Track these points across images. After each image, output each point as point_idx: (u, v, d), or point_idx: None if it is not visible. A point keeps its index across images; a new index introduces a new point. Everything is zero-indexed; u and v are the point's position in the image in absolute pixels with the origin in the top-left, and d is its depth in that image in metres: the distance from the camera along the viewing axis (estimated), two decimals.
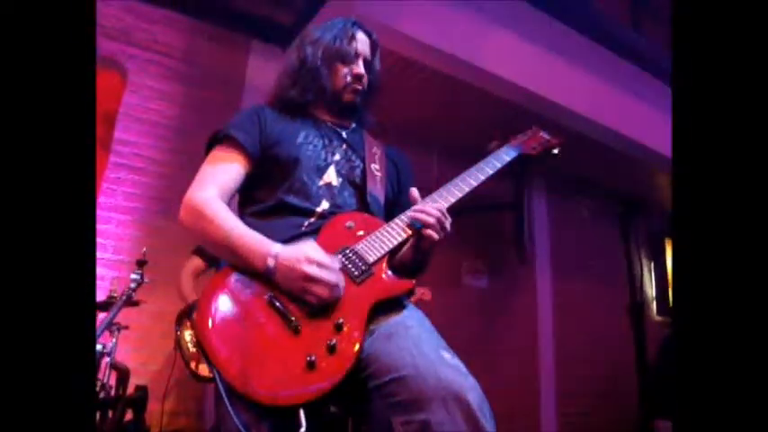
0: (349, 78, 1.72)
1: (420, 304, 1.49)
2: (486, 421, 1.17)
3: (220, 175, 1.55)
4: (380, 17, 3.79)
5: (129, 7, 4.32)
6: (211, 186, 1.51)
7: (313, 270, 1.29)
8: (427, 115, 5.02)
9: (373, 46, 1.81)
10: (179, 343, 3.18)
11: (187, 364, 3.11)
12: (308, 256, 1.31)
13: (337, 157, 1.66)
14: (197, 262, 3.52)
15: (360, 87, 1.73)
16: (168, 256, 3.62)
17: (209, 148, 1.63)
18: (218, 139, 1.62)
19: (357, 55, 1.74)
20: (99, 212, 3.90)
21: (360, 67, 1.73)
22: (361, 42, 1.77)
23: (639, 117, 4.82)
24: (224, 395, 1.19)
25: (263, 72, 4.61)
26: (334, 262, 1.34)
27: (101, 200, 3.93)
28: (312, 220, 1.53)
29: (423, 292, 3.96)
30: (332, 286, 1.30)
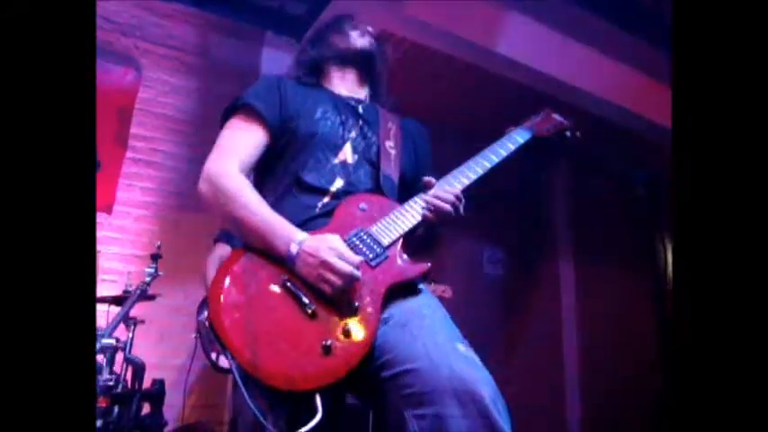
0: (359, 32, 1.80)
1: (441, 301, 1.46)
2: (500, 415, 1.14)
3: (241, 146, 1.52)
4: (392, 5, 3.75)
5: (142, 3, 4.33)
6: (233, 158, 1.48)
7: (332, 258, 1.27)
8: (444, 100, 4.97)
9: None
10: (200, 332, 3.15)
11: (207, 355, 3.08)
12: (330, 245, 1.29)
13: (353, 134, 1.63)
14: (224, 250, 3.45)
15: (371, 38, 1.80)
16: (186, 250, 3.62)
17: (225, 116, 1.60)
18: (236, 108, 1.58)
19: (360, 23, 1.83)
20: (116, 208, 3.91)
21: (367, 28, 1.81)
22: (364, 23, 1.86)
23: (663, 101, 4.72)
24: (239, 381, 1.17)
25: (278, 64, 4.58)
26: (355, 256, 1.32)
27: (118, 195, 3.94)
28: (326, 200, 1.50)
29: (444, 290, 3.90)
30: (348, 276, 1.27)
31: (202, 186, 1.46)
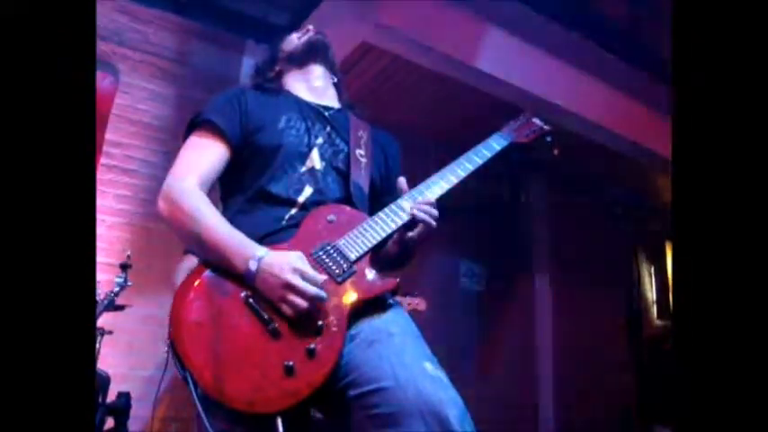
0: (299, 31, 1.83)
1: (414, 314, 1.43)
2: None
3: (200, 163, 1.48)
4: (375, 17, 3.75)
5: (122, 7, 4.28)
6: (191, 175, 1.44)
7: (296, 280, 1.23)
8: (423, 113, 4.99)
9: None
10: None
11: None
12: (293, 265, 1.25)
13: (320, 140, 1.59)
14: (194, 261, 3.40)
15: (312, 31, 1.81)
16: (159, 260, 3.57)
17: (187, 132, 1.56)
18: (196, 124, 1.55)
19: (294, 32, 1.86)
20: None
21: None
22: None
23: (640, 118, 4.78)
24: (197, 401, 1.14)
25: None
26: (319, 276, 1.28)
27: None
28: (293, 212, 1.46)
29: (417, 303, 3.87)
30: (312, 299, 1.24)
31: (160, 204, 1.43)
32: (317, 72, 1.77)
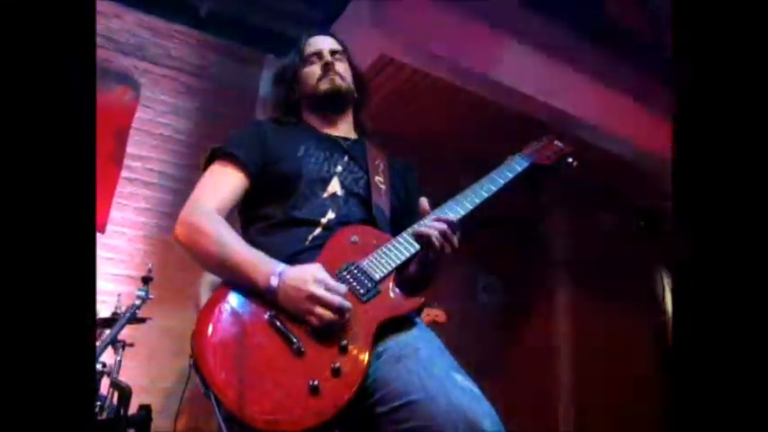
0: (319, 71, 1.73)
1: (434, 326, 1.41)
2: None
3: (218, 191, 1.51)
4: (393, 30, 3.76)
5: (143, 22, 4.35)
6: (209, 202, 1.47)
7: (320, 291, 1.23)
8: (443, 126, 4.98)
9: (336, 41, 1.83)
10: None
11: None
12: (316, 277, 1.26)
13: (339, 168, 1.62)
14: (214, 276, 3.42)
15: (332, 75, 1.73)
16: (179, 272, 3.57)
17: (207, 163, 1.59)
18: (216, 156, 1.58)
19: (315, 53, 1.76)
20: (110, 227, 3.88)
21: (324, 58, 1.75)
22: (318, 41, 1.80)
23: (660, 130, 4.73)
24: (220, 421, 1.13)
25: None
26: (341, 286, 1.28)
27: (112, 215, 3.91)
28: (317, 232, 1.47)
29: (437, 314, 3.85)
30: (338, 309, 1.23)
31: (178, 229, 1.44)
32: (337, 116, 1.77)
